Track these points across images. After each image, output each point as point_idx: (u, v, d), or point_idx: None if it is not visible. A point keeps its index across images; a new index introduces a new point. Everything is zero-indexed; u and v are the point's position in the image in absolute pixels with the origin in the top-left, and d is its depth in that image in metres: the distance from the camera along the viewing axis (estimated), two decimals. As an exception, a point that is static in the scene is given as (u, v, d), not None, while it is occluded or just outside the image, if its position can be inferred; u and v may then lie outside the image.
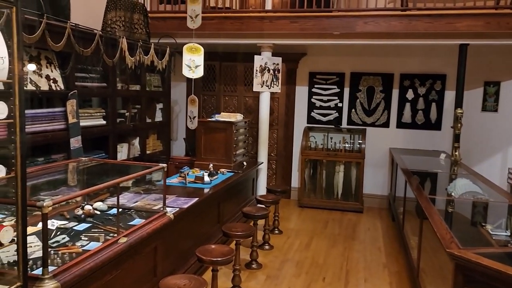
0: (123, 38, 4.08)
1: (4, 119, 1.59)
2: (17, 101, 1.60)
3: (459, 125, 4.68)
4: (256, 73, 5.24)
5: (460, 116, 4.68)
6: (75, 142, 3.61)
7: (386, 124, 5.97)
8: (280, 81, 5.43)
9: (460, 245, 2.19)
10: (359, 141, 5.88)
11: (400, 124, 5.92)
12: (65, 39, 3.30)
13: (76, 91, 3.62)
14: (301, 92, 6.23)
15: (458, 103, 4.79)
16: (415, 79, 5.82)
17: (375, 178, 6.07)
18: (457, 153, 4.70)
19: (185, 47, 4.34)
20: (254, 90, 5.38)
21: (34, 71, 3.33)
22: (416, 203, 3.44)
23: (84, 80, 3.95)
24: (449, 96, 5.67)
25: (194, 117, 4.36)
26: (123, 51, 4.07)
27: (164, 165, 2.95)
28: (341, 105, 6.11)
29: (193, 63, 4.33)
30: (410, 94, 5.85)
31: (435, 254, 3.09)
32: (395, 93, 5.92)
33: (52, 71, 3.52)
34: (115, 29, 4.33)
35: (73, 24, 3.40)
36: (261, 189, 5.50)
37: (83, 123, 3.77)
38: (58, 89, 3.54)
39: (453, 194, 3.60)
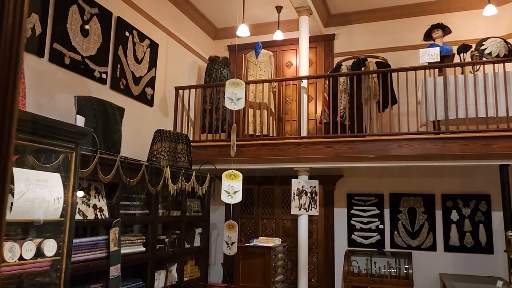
0: (167, 167, 4.33)
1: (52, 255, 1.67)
2: (66, 238, 1.69)
3: (512, 249, 4.38)
4: (294, 197, 5.29)
5: (512, 239, 4.40)
6: (115, 271, 3.62)
7: (432, 247, 5.66)
8: (318, 203, 5.42)
9: None
10: (406, 266, 5.55)
11: (448, 248, 5.60)
12: (114, 171, 3.54)
13: (119, 219, 3.75)
14: (340, 214, 6.15)
15: (508, 225, 4.54)
16: (458, 200, 5.66)
17: (427, 308, 5.56)
18: (515, 280, 4.31)
19: (224, 174, 4.52)
20: (292, 213, 5.37)
21: (82, 201, 3.52)
22: None
23: (128, 208, 4.11)
24: (497, 217, 5.41)
25: (233, 243, 4.34)
26: (166, 179, 4.28)
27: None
28: (382, 227, 5.93)
29: (231, 189, 4.45)
30: (454, 215, 5.64)
31: None
32: (439, 214, 5.72)
33: (99, 201, 3.71)
34: (159, 158, 4.62)
35: (123, 157, 3.68)
36: (303, 320, 5.13)
37: (123, 250, 3.82)
38: (103, 217, 3.68)
39: (518, 330, 3.22)
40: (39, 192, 1.61)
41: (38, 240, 1.64)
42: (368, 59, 5.74)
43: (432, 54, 4.86)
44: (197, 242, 5.26)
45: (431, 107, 4.81)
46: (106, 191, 3.83)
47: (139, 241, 4.15)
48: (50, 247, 1.64)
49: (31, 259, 1.57)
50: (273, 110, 6.01)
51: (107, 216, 3.72)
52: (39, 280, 2.09)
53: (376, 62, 5.69)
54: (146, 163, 4.09)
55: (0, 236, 0.58)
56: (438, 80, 4.84)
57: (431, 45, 5.16)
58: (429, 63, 4.92)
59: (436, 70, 4.94)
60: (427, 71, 4.95)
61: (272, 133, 5.84)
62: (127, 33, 4.88)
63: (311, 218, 5.91)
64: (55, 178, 1.70)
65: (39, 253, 1.61)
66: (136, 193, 4.20)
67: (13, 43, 0.61)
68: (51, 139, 1.63)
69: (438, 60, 4.85)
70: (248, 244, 5.01)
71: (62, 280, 1.67)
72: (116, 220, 3.71)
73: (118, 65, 4.73)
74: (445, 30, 5.29)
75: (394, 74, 5.21)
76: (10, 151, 0.59)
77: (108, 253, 3.61)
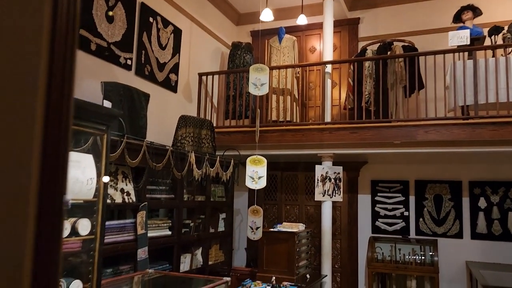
0: (191, 153, 4.37)
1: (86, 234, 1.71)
2: (99, 218, 1.73)
3: (544, 237, 4.26)
4: (317, 183, 5.27)
5: (544, 227, 4.28)
6: (142, 253, 3.70)
7: (459, 235, 5.56)
8: (341, 190, 5.39)
9: None
10: (431, 253, 5.48)
11: (475, 235, 5.49)
12: (140, 156, 3.60)
13: (146, 203, 3.82)
14: (364, 201, 6.10)
15: (539, 212, 4.42)
16: (486, 187, 5.52)
17: (452, 296, 5.49)
18: (546, 269, 4.20)
19: (248, 159, 4.53)
20: (315, 199, 5.36)
21: (110, 185, 3.59)
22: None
23: (154, 192, 4.17)
24: (527, 204, 5.27)
25: (258, 228, 4.36)
26: (191, 164, 4.32)
27: (228, 278, 2.91)
28: (407, 214, 5.85)
29: (256, 174, 4.46)
30: (482, 203, 5.51)
31: None
32: (466, 202, 5.61)
33: (126, 185, 3.78)
34: (184, 144, 4.66)
35: (149, 142, 3.73)
36: (326, 305, 5.15)
37: (150, 234, 3.89)
38: (131, 201, 3.75)
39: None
40: (73, 172, 1.64)
41: (73, 219, 1.68)
42: (394, 43, 5.62)
43: (461, 37, 4.71)
44: (221, 227, 5.31)
45: (460, 92, 4.68)
46: (133, 175, 3.89)
47: (165, 225, 4.22)
48: (84, 226, 1.68)
49: (66, 237, 1.61)
50: (297, 96, 5.97)
51: (134, 200, 3.79)
52: (71, 259, 2.14)
53: (403, 46, 5.56)
54: (171, 148, 4.13)
55: (60, 223, 0.59)
56: (468, 64, 4.70)
57: (461, 28, 5.00)
58: (458, 46, 4.77)
59: (466, 54, 4.79)
60: (456, 54, 4.80)
61: (295, 119, 5.80)
62: (151, 19, 4.90)
63: (334, 205, 5.88)
64: (88, 159, 1.73)
65: (73, 231, 1.66)
66: (161, 178, 4.26)
67: (68, 32, 0.60)
68: (83, 121, 1.65)
69: (468, 43, 4.70)
70: (272, 229, 5.03)
71: (96, 259, 1.71)
72: (143, 204, 3.78)
73: (143, 51, 4.77)
74: (476, 11, 5.11)
75: (421, 58, 5.08)
76: (67, 138, 0.61)
77: (136, 236, 3.69)
